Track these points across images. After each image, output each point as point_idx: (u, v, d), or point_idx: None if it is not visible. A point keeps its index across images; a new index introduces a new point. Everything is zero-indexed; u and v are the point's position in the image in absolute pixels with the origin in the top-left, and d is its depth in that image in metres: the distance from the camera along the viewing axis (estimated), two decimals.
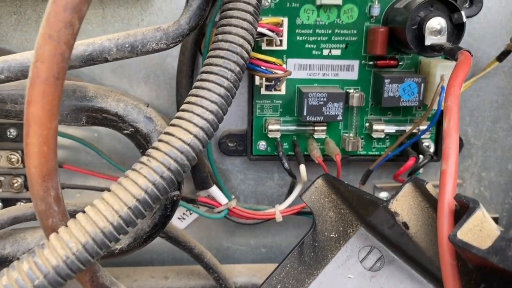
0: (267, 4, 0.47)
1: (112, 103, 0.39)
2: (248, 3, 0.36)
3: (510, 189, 0.56)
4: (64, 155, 0.53)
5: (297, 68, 0.50)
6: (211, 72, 0.34)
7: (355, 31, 0.49)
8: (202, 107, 0.33)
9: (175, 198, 0.41)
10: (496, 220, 0.57)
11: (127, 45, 0.34)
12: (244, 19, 0.35)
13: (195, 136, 0.32)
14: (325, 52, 0.49)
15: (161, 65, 0.51)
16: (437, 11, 0.43)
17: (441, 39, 0.42)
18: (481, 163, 0.55)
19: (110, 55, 0.34)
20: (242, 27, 0.35)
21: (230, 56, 0.34)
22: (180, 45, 0.47)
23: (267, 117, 0.51)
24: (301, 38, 0.49)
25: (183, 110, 0.33)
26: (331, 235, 0.42)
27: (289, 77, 0.50)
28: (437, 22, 0.42)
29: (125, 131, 0.40)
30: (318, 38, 0.49)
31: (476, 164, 0.55)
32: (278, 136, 0.50)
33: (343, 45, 0.49)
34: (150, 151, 0.32)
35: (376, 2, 0.48)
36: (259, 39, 0.44)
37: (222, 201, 0.51)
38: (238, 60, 0.34)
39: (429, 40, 0.42)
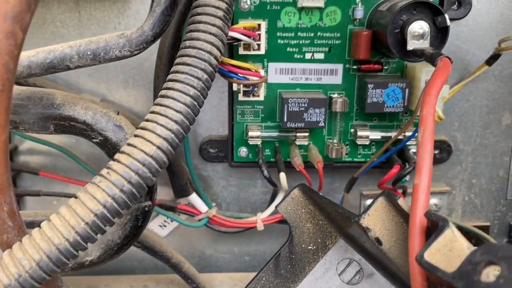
0: (246, 6, 0.46)
1: (80, 111, 0.38)
2: (218, 8, 0.34)
3: (501, 196, 0.54)
4: (42, 161, 0.52)
5: (278, 73, 0.48)
6: (176, 80, 0.32)
7: (338, 34, 0.47)
8: (166, 117, 0.32)
9: (146, 208, 0.39)
10: (487, 228, 0.55)
11: (89, 53, 0.33)
12: (213, 25, 0.34)
13: (158, 147, 0.31)
14: (308, 56, 0.48)
15: (140, 69, 0.50)
16: (420, 14, 0.41)
17: (424, 44, 0.40)
18: (471, 169, 0.53)
19: (72, 62, 0.33)
20: (210, 33, 0.33)
21: (197, 63, 0.33)
22: (158, 49, 0.46)
23: (248, 123, 0.50)
24: (282, 42, 0.47)
25: (147, 120, 0.32)
26: (309, 247, 0.40)
27: (270, 81, 0.48)
28: (419, 26, 0.40)
29: (94, 140, 0.39)
30: (300, 42, 0.47)
31: (466, 171, 0.54)
32: (259, 143, 0.49)
33: (326, 49, 0.48)
34: (110, 163, 0.31)
35: (360, 4, 0.46)
36: (235, 43, 0.42)
37: (202, 209, 0.50)
38: (206, 67, 0.33)
39: (411, 45, 0.40)
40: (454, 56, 0.50)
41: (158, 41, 0.46)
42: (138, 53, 0.33)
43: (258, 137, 0.49)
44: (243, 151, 0.50)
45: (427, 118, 0.31)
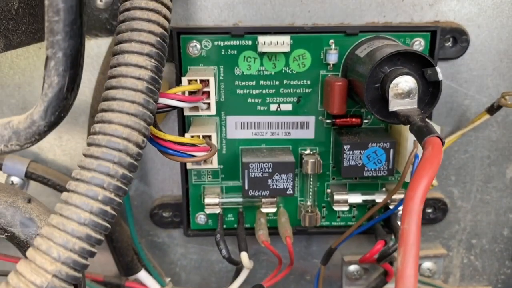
0: (196, 52, 0.38)
1: None
2: (139, 78, 0.26)
3: (506, 257, 0.47)
4: None
5: (239, 127, 0.40)
6: (81, 180, 0.25)
7: (308, 82, 0.39)
8: (67, 233, 0.24)
9: None
10: None
11: None
12: (132, 101, 0.26)
13: (55, 276, 0.23)
14: (273, 107, 0.40)
15: (74, 124, 0.42)
16: (405, 65, 0.33)
17: (410, 103, 0.32)
18: (471, 228, 0.46)
19: None
20: (127, 113, 0.26)
21: (108, 156, 0.25)
22: (90, 105, 0.38)
23: (205, 185, 0.42)
24: (242, 91, 0.39)
25: (41, 236, 0.24)
26: None
27: (230, 137, 0.40)
28: (405, 82, 0.32)
29: (0, 236, 0.31)
30: (263, 91, 0.39)
31: (465, 230, 0.46)
32: (218, 211, 0.41)
33: (295, 99, 0.40)
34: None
35: (333, 46, 0.38)
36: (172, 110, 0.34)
37: None
38: (121, 159, 0.25)
39: (394, 105, 0.32)
40: (450, 101, 0.42)
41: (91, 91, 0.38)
42: (30, 146, 0.25)
43: (216, 204, 0.41)
44: (201, 218, 0.43)
45: (408, 234, 0.23)
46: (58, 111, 0.24)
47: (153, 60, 0.27)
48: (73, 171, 0.25)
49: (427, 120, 0.30)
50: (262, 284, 0.32)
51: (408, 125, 0.30)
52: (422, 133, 0.28)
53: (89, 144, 0.26)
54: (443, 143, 0.27)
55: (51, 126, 0.25)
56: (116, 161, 0.25)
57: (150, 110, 0.27)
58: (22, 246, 0.31)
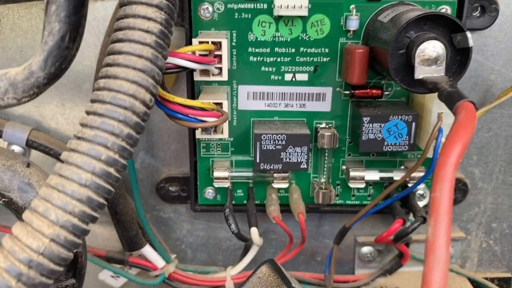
0: (208, 15, 0.36)
1: None
2: (147, 31, 0.24)
3: None
4: None
5: (251, 97, 0.38)
6: (83, 139, 0.23)
7: (326, 50, 0.37)
8: (66, 194, 0.22)
9: None
10: (508, 280, 0.45)
11: None
12: (139, 56, 0.24)
13: (52, 240, 0.22)
14: (288, 77, 0.38)
15: (78, 91, 0.40)
16: (433, 30, 0.31)
17: (437, 71, 0.30)
18: (491, 211, 0.44)
19: None
20: (134, 68, 0.24)
21: (112, 113, 0.23)
22: (95, 69, 0.36)
23: (214, 159, 0.40)
24: (255, 59, 0.37)
25: (39, 198, 0.22)
26: None
27: (241, 108, 0.38)
28: (432, 47, 0.30)
29: None
30: (278, 59, 0.37)
31: (485, 213, 0.44)
32: (227, 186, 0.39)
33: (311, 68, 0.37)
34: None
35: (354, 12, 0.36)
36: (182, 72, 0.32)
37: (158, 264, 0.40)
38: (126, 118, 0.23)
39: (420, 72, 0.30)
40: (475, 75, 0.39)
41: (97, 57, 0.36)
42: (28, 100, 0.23)
43: (226, 178, 0.39)
44: (209, 192, 0.41)
45: (440, 202, 0.21)
46: (59, 61, 0.22)
47: (163, 13, 0.25)
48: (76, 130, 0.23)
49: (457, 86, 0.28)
50: (274, 259, 0.30)
51: (436, 93, 0.28)
52: (453, 98, 0.26)
53: (92, 101, 0.24)
54: (476, 108, 0.24)
55: (51, 78, 0.23)
56: (121, 119, 0.23)
57: (158, 67, 0.24)
58: (20, 212, 0.29)
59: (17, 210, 0.29)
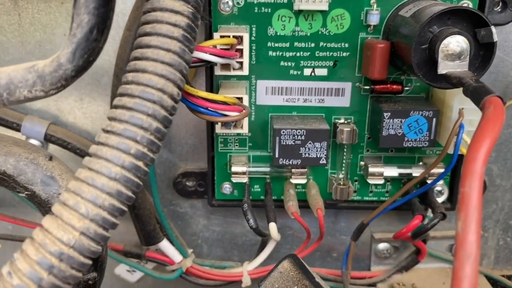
0: (228, 9, 0.35)
1: None
2: (175, 25, 0.24)
3: None
4: None
5: (270, 92, 0.38)
6: (112, 132, 0.23)
7: (346, 45, 0.37)
8: (96, 188, 0.22)
9: (90, 282, 0.30)
10: None
11: None
12: (167, 50, 0.24)
13: (82, 233, 0.22)
14: (307, 71, 0.37)
15: (97, 85, 0.40)
16: (456, 25, 0.30)
17: (461, 66, 0.30)
18: (509, 209, 0.43)
19: None
20: (163, 62, 0.24)
21: (141, 107, 0.23)
22: (114, 64, 0.36)
23: (232, 154, 0.40)
24: (274, 54, 0.37)
25: (68, 191, 0.22)
26: None
27: (259, 103, 0.38)
28: (456, 42, 0.30)
29: (21, 194, 0.29)
30: (297, 54, 0.37)
31: (503, 210, 0.43)
32: (245, 181, 0.39)
33: (331, 63, 0.37)
34: (16, 256, 0.22)
35: (375, 7, 0.35)
36: (205, 66, 0.32)
37: (175, 259, 0.40)
38: (155, 111, 0.23)
39: (444, 67, 0.30)
40: (495, 71, 0.39)
41: (116, 53, 0.36)
42: (56, 93, 0.23)
43: (244, 173, 0.39)
44: (226, 187, 0.41)
45: (470, 197, 0.21)
46: (88, 54, 0.22)
47: (190, 6, 0.24)
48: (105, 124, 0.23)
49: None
50: (295, 254, 0.30)
51: (459, 88, 0.28)
52: (480, 93, 0.25)
53: (120, 95, 0.24)
54: (504, 103, 0.24)
55: (79, 70, 0.23)
56: (150, 113, 0.23)
57: (186, 61, 0.24)
58: (43, 206, 0.29)
59: (40, 204, 0.29)
